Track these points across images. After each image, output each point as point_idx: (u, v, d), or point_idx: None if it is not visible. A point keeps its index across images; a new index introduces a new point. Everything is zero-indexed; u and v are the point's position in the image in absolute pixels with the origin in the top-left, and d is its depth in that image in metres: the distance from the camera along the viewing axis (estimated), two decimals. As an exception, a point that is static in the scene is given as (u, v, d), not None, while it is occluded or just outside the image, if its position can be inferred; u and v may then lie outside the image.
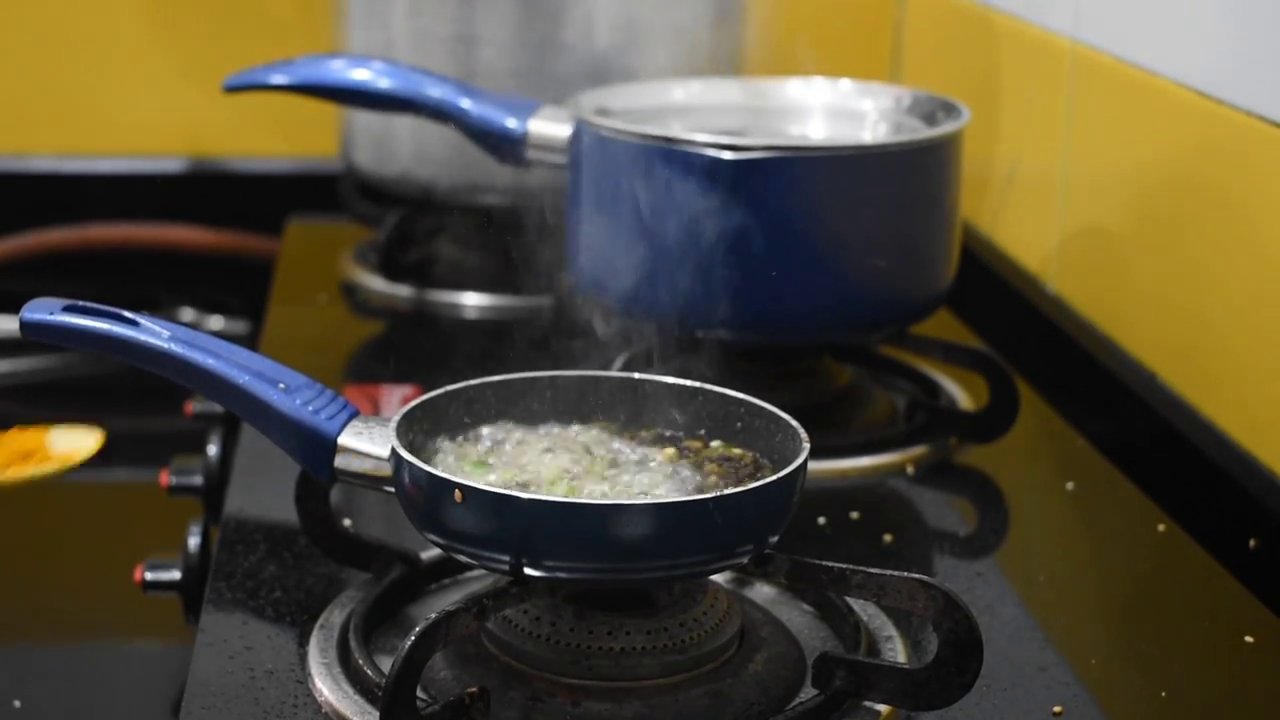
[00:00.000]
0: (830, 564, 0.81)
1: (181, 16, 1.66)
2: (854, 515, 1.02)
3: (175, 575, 1.01)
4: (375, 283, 1.43)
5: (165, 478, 1.14)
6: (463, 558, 0.80)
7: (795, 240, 1.06)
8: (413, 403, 0.86)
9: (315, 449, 0.86)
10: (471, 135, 1.21)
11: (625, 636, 0.79)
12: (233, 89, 1.26)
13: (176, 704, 0.83)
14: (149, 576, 1.01)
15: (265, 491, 1.00)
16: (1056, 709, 0.81)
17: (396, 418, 0.84)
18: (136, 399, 1.46)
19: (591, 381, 0.90)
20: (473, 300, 1.40)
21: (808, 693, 0.81)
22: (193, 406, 1.22)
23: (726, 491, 0.79)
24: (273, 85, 1.24)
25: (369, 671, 0.80)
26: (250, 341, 1.28)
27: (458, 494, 0.77)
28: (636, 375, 0.90)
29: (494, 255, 1.45)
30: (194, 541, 1.01)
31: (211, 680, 0.82)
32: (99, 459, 1.19)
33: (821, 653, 0.80)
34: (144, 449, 1.38)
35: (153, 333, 0.88)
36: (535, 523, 0.76)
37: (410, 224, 1.45)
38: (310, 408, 0.86)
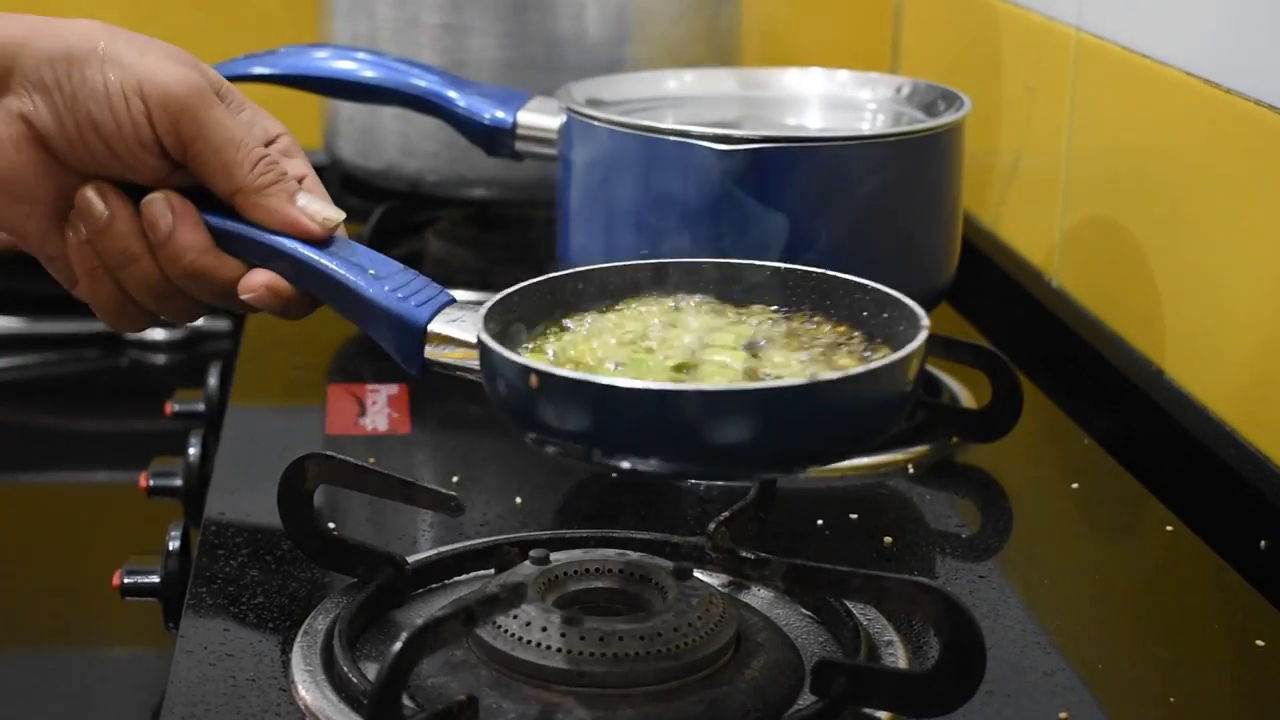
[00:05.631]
0: (829, 567, 0.80)
1: (161, 6, 1.65)
2: (853, 516, 1.01)
3: (154, 580, 1.00)
4: (361, 278, 1.42)
5: (144, 479, 1.13)
6: (552, 449, 0.77)
7: (791, 234, 1.05)
8: (514, 288, 0.83)
9: (404, 337, 0.84)
10: (459, 127, 1.20)
11: (618, 642, 0.77)
12: (214, 80, 1.25)
13: (156, 712, 0.82)
14: (127, 581, 1.00)
15: (247, 494, 0.99)
16: (1062, 715, 0.80)
17: (491, 301, 0.81)
18: (115, 398, 1.45)
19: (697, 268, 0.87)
20: (461, 296, 1.38)
21: (806, 699, 0.79)
22: (172, 406, 1.20)
23: (852, 371, 0.76)
24: (254, 76, 1.22)
25: (354, 679, 0.79)
26: (233, 338, 1.27)
27: (533, 379, 0.74)
28: (739, 261, 0.87)
29: (483, 250, 1.44)
30: (174, 545, 1.00)
31: (192, 688, 0.81)
32: (78, 460, 1.19)
33: (820, 658, 0.79)
34: (122, 450, 1.37)
35: None
36: (611, 410, 0.73)
37: (396, 218, 1.43)
38: (399, 294, 0.85)
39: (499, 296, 0.82)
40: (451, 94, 1.19)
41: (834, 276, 0.85)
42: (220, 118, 0.85)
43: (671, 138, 1.05)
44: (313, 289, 0.87)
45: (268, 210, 0.86)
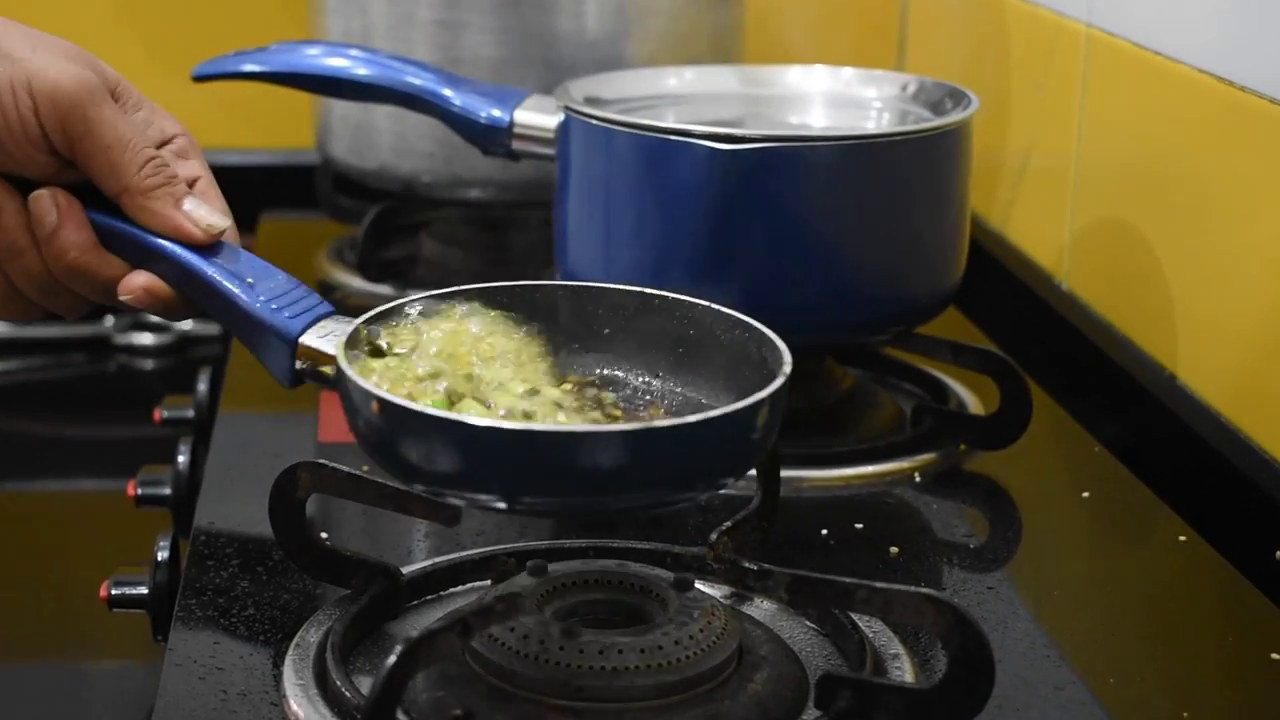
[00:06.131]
0: (834, 578, 0.79)
1: (151, 2, 1.64)
2: (858, 526, 1.00)
3: (143, 591, 0.99)
4: (353, 281, 1.41)
5: (132, 488, 1.13)
6: (406, 483, 0.79)
7: (795, 236, 1.04)
8: (382, 307, 0.84)
9: (275, 348, 0.84)
10: (455, 126, 1.18)
11: (617, 655, 0.76)
12: (202, 78, 1.23)
13: (144, 726, 0.81)
14: (115, 592, 0.99)
15: (237, 503, 0.98)
16: (1073, 729, 0.80)
17: (364, 317, 0.82)
18: (102, 404, 1.45)
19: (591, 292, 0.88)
20: (457, 299, 1.38)
21: (810, 714, 0.78)
22: (161, 413, 1.19)
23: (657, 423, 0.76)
24: (245, 74, 1.21)
25: (347, 693, 0.78)
26: (223, 342, 1.26)
27: (374, 405, 0.75)
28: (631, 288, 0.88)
29: (479, 252, 1.44)
30: (162, 555, 0.99)
31: (181, 702, 0.80)
32: (64, 468, 1.18)
33: (825, 672, 0.78)
34: (110, 458, 1.37)
35: None
36: (450, 443, 0.74)
37: (390, 219, 1.43)
38: (274, 304, 0.84)
39: (374, 312, 0.82)
40: (446, 92, 1.18)
41: (717, 311, 0.85)
42: (109, 116, 0.86)
43: (672, 137, 1.04)
44: (190, 293, 0.87)
45: (152, 213, 0.87)
